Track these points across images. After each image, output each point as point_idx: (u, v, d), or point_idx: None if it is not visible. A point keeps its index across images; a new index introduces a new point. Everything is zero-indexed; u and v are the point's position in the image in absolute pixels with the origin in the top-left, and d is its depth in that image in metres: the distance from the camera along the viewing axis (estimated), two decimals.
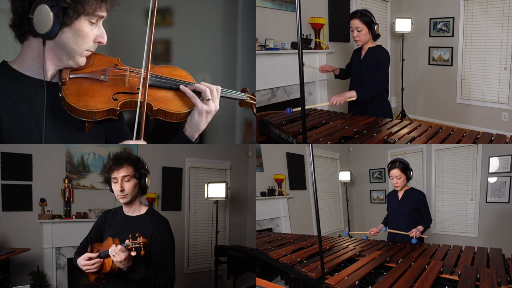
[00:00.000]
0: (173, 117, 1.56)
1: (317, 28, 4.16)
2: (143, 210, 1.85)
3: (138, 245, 1.55)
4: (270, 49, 3.63)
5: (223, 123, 3.78)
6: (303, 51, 1.80)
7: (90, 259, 1.69)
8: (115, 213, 1.89)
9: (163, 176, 4.44)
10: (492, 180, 4.48)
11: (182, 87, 1.58)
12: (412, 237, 2.68)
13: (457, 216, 4.93)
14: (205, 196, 4.16)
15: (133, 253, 1.56)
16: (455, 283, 1.74)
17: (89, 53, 1.46)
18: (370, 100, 2.99)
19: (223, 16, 3.74)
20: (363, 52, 3.06)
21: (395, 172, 2.90)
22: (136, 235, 1.57)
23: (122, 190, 1.74)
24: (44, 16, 1.32)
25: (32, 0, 1.35)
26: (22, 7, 1.36)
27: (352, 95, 2.91)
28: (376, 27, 2.90)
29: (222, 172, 4.99)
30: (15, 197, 3.62)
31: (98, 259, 1.68)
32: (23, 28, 1.39)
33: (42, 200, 3.71)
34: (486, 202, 4.55)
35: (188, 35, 3.71)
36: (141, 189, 1.82)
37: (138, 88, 1.50)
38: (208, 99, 1.55)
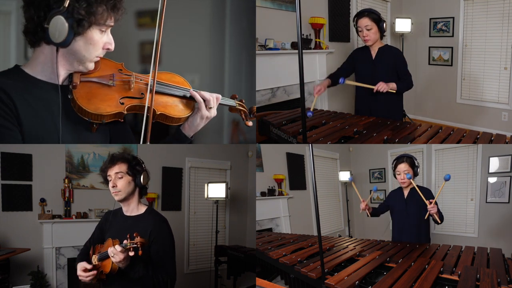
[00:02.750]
0: (173, 121, 1.69)
1: (317, 28, 4.15)
2: (142, 209, 1.86)
3: (136, 245, 1.56)
4: (270, 49, 3.63)
5: (210, 123, 3.77)
6: (303, 51, 1.80)
7: (85, 270, 1.72)
8: (115, 213, 1.91)
9: (163, 176, 4.44)
10: (492, 180, 4.48)
11: (192, 92, 1.71)
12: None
13: (457, 216, 4.93)
14: (205, 196, 4.16)
15: (131, 253, 1.57)
16: (455, 283, 1.74)
17: (98, 59, 1.55)
18: (385, 99, 2.98)
19: (212, 18, 3.75)
20: (373, 52, 3.03)
21: (403, 166, 2.80)
22: (134, 235, 1.59)
23: (114, 187, 1.79)
24: (60, 26, 1.39)
25: (47, 10, 1.41)
26: (38, 17, 1.42)
27: (393, 87, 2.90)
28: (384, 24, 2.90)
29: (222, 172, 4.99)
30: (15, 197, 3.62)
31: (92, 272, 1.71)
32: (37, 35, 1.46)
33: (42, 200, 3.71)
34: (486, 202, 4.55)
35: (177, 36, 3.73)
36: (137, 187, 1.84)
37: (143, 94, 1.61)
38: (211, 107, 1.71)
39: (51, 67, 1.50)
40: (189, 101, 1.74)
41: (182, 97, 1.73)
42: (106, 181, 1.84)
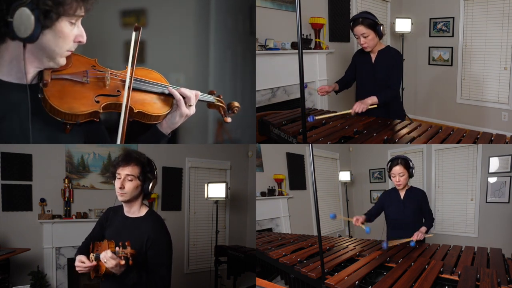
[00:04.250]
0: (151, 119, 1.60)
1: (317, 28, 4.16)
2: (143, 211, 1.83)
3: (126, 255, 1.55)
4: (270, 49, 3.63)
5: (195, 122, 3.76)
6: (303, 51, 1.79)
7: (83, 262, 1.69)
8: (116, 211, 1.88)
9: (163, 176, 4.44)
10: (492, 180, 4.48)
11: (171, 89, 1.62)
12: (412, 241, 2.60)
13: (457, 216, 4.93)
14: (205, 196, 4.16)
15: (122, 262, 1.55)
16: (455, 283, 1.74)
17: (69, 53, 1.44)
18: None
19: (196, 17, 3.77)
20: (373, 56, 2.93)
21: (398, 169, 2.78)
22: (126, 243, 1.56)
23: (121, 188, 1.73)
24: (25, 19, 1.27)
25: (9, 2, 1.28)
26: (0, 10, 1.30)
27: (374, 101, 2.75)
28: (382, 28, 2.76)
29: (222, 172, 4.99)
30: (15, 197, 3.62)
31: (90, 264, 1.68)
32: None
33: (42, 200, 3.71)
34: (486, 202, 4.55)
35: (162, 36, 3.74)
36: (143, 192, 1.80)
37: (119, 91, 1.52)
38: (190, 105, 1.63)
39: (17, 65, 1.37)
40: (168, 98, 1.65)
41: (160, 94, 1.63)
42: (113, 177, 1.77)
